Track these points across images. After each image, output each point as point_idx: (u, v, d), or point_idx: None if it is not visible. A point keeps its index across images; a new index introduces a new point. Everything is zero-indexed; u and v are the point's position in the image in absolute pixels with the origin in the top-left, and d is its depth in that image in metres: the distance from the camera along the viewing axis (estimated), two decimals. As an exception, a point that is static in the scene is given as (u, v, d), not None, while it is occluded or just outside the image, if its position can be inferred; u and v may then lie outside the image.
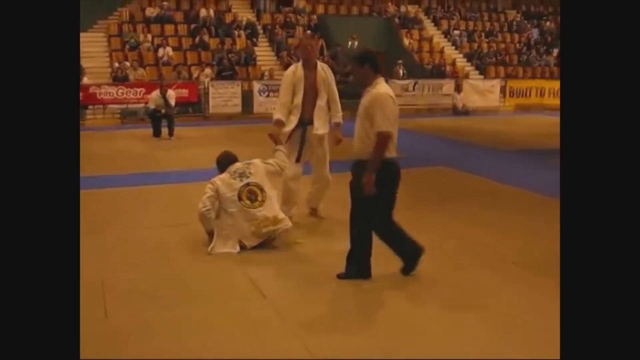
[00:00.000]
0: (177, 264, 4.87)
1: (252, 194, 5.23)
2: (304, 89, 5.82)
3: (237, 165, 5.43)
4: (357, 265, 4.47)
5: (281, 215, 5.31)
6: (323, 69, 5.96)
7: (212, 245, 5.19)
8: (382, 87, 4.34)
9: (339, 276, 4.49)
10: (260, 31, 21.61)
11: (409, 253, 4.57)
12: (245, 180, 5.27)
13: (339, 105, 6.03)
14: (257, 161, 5.52)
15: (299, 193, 6.03)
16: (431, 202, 6.83)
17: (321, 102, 5.89)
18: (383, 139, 4.18)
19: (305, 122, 5.89)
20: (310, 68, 5.88)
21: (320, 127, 5.89)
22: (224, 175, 5.36)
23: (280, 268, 4.81)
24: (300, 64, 5.96)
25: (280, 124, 5.83)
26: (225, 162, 5.52)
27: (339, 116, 6.02)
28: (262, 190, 5.27)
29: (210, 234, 5.31)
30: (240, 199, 5.20)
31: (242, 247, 5.17)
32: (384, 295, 4.26)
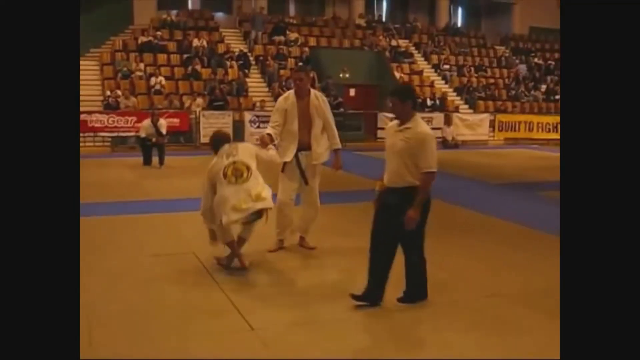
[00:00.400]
0: (165, 294, 4.81)
1: (237, 171, 5.23)
2: (298, 116, 5.86)
3: (226, 146, 5.43)
4: (376, 291, 4.51)
5: (265, 194, 5.25)
6: (316, 97, 5.99)
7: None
8: (423, 125, 4.50)
9: (357, 298, 4.50)
10: (253, 62, 21.79)
11: (416, 290, 4.64)
12: (232, 159, 5.27)
13: (336, 132, 6.06)
14: (247, 143, 5.55)
15: (292, 217, 6.02)
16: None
17: (316, 130, 5.92)
18: (432, 178, 4.36)
19: (300, 148, 5.91)
20: (302, 97, 5.92)
21: (319, 156, 5.93)
22: (215, 159, 5.40)
23: (271, 299, 4.75)
24: (292, 91, 6.01)
25: (270, 137, 5.83)
26: (217, 140, 5.56)
27: (337, 143, 6.06)
28: (248, 168, 5.26)
29: (212, 234, 5.47)
30: (225, 175, 5.21)
31: (230, 245, 5.33)
32: (375, 323, 4.22)
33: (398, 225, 4.33)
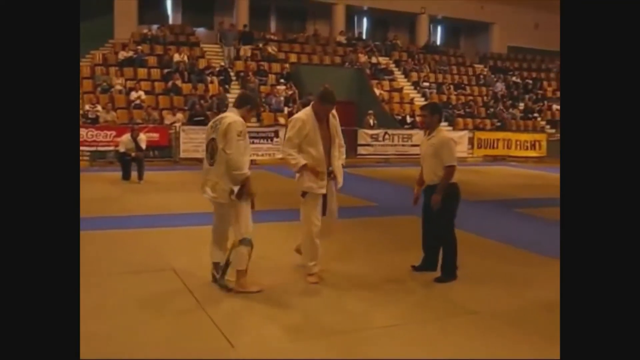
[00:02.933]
0: (143, 312, 4.77)
1: (211, 151, 5.22)
2: (321, 139, 5.57)
3: (220, 116, 5.35)
4: (450, 268, 5.66)
5: (219, 187, 5.11)
6: (334, 116, 5.75)
7: None
8: (445, 133, 5.93)
9: (416, 268, 5.86)
10: (234, 78, 21.81)
11: (436, 264, 5.79)
12: (213, 135, 5.23)
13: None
14: (231, 121, 5.09)
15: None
16: (399, 249, 6.85)
17: (336, 152, 5.69)
18: (452, 170, 5.62)
19: (328, 173, 5.61)
20: (323, 120, 5.65)
21: (340, 179, 5.74)
22: (211, 123, 5.42)
23: (252, 317, 4.73)
24: (311, 113, 5.64)
25: (310, 167, 5.47)
26: (240, 98, 5.49)
27: (343, 158, 5.87)
28: (217, 150, 5.14)
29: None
30: (206, 149, 5.31)
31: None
32: (361, 345, 4.22)
33: (445, 213, 5.60)
